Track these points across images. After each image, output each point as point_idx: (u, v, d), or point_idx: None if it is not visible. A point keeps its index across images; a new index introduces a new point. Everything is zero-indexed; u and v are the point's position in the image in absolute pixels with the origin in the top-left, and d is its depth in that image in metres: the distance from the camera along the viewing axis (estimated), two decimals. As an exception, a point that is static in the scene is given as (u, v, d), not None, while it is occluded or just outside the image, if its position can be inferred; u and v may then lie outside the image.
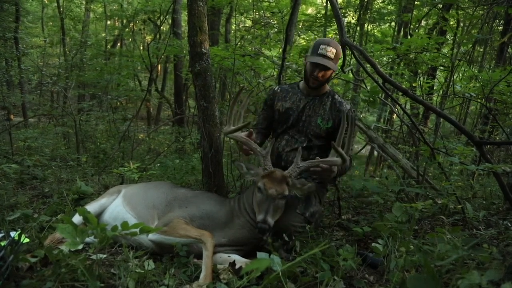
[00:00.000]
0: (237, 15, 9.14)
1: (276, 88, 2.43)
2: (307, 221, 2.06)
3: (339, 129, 1.96)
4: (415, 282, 1.14)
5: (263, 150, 1.98)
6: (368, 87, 3.70)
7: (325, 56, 2.12)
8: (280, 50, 5.95)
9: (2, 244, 1.33)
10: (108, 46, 11.89)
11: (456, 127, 2.45)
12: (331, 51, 2.13)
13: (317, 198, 2.22)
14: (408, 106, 5.06)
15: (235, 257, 1.84)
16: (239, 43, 5.98)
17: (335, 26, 5.73)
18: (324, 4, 9.49)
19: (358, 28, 7.96)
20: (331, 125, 2.25)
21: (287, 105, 2.33)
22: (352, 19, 8.45)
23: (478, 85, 3.45)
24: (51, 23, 14.36)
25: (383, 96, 4.55)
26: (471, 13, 4.40)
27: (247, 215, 1.96)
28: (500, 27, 6.04)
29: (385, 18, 8.52)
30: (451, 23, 5.01)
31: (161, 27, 10.88)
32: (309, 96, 2.31)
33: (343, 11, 8.34)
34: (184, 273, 1.66)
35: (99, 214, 2.18)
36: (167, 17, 8.49)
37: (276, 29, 6.99)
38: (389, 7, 8.62)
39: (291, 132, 2.31)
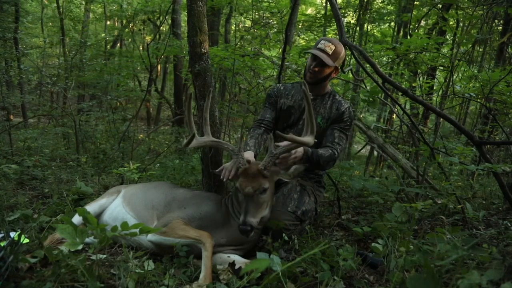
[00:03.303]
0: (237, 15, 9.14)
1: (279, 86, 2.43)
2: (299, 219, 2.05)
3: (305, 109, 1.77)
4: (415, 282, 1.14)
5: (235, 147, 1.92)
6: (368, 87, 3.70)
7: (323, 51, 2.16)
8: (280, 50, 5.96)
9: (2, 244, 1.33)
10: (108, 47, 11.91)
11: (455, 127, 2.45)
12: (329, 47, 2.17)
13: (312, 196, 2.21)
14: (407, 106, 5.07)
15: (235, 257, 1.84)
16: (238, 43, 5.99)
17: (335, 26, 5.74)
18: (324, 4, 9.51)
19: (357, 28, 7.97)
20: (330, 123, 2.26)
21: (289, 103, 2.33)
22: (352, 19, 8.46)
23: (477, 85, 3.46)
24: (50, 24, 14.37)
25: (382, 96, 4.55)
26: (471, 13, 4.41)
27: (239, 214, 1.94)
28: (500, 27, 6.05)
29: (385, 18, 8.52)
30: (451, 23, 5.01)
31: (161, 28, 10.89)
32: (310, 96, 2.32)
33: (343, 11, 8.35)
34: (184, 273, 1.66)
35: (99, 215, 2.18)
36: (166, 17, 8.49)
37: (275, 29, 6.99)
38: (388, 7, 8.62)
39: (290, 132, 2.30)
